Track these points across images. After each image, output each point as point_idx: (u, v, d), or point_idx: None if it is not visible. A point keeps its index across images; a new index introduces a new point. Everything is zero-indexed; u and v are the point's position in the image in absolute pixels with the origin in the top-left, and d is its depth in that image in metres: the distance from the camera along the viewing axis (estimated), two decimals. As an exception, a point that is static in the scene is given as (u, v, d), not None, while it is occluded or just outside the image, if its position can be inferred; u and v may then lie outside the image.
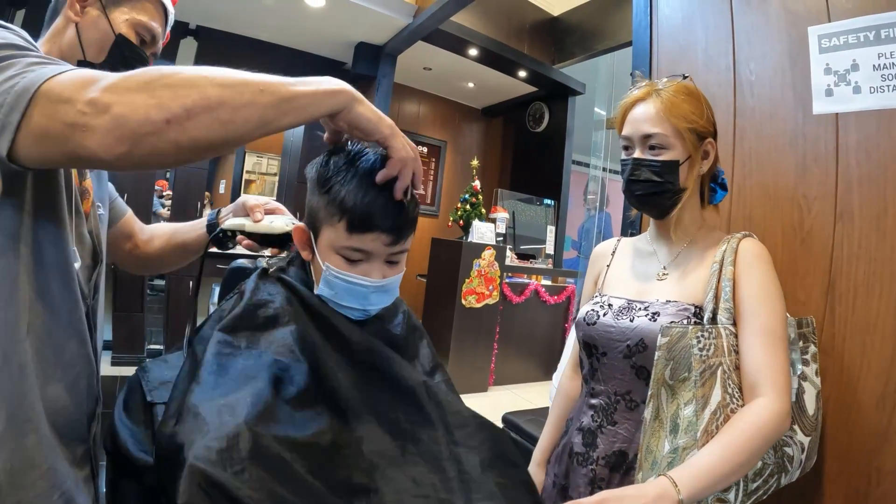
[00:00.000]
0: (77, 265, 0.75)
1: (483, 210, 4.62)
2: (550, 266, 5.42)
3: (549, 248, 5.65)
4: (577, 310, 1.05)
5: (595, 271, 1.23)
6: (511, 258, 4.81)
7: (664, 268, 1.08)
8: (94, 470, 0.78)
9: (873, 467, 1.03)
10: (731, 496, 0.90)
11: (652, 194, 1.02)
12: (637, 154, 1.02)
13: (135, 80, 0.56)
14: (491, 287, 4.34)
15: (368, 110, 0.69)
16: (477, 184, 4.63)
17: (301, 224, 0.82)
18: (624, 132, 1.05)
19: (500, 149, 6.92)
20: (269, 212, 1.02)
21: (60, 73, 0.57)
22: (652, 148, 1.01)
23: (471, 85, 5.98)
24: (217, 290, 1.21)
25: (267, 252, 1.09)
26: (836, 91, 1.14)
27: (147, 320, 3.89)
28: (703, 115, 1.01)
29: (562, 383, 1.28)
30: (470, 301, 4.21)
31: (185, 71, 0.59)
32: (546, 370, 4.86)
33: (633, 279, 1.12)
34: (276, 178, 6.90)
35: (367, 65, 4.68)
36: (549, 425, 1.25)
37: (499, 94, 6.26)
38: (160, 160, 0.59)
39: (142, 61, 0.88)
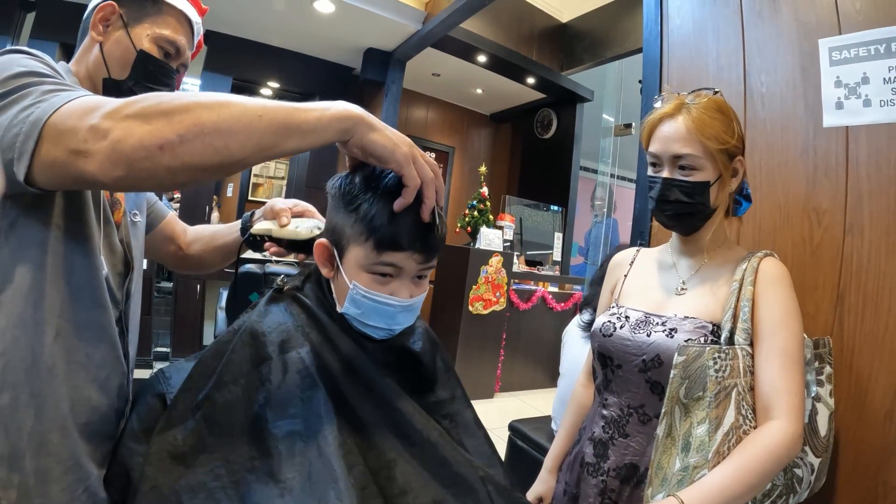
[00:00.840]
0: (104, 272, 0.78)
1: (490, 216, 4.63)
2: (558, 273, 5.41)
3: (557, 254, 5.64)
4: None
5: (612, 281, 1.21)
6: (519, 263, 4.80)
7: (683, 282, 1.06)
8: None
9: (881, 480, 1.03)
10: (739, 517, 0.89)
11: (682, 215, 1.00)
12: (666, 174, 0.99)
13: (133, 107, 0.57)
14: (498, 294, 4.34)
15: (382, 137, 0.66)
16: (485, 190, 4.64)
17: (323, 240, 0.80)
18: (651, 149, 1.02)
19: (508, 155, 6.92)
20: (297, 214, 1.01)
21: (69, 102, 0.59)
22: (682, 168, 0.98)
23: (479, 91, 6.00)
24: (224, 294, 1.21)
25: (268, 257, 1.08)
26: (847, 104, 1.15)
27: (154, 322, 3.90)
28: (735, 134, 0.98)
29: (576, 391, 1.27)
30: (477, 307, 4.21)
31: (185, 97, 0.59)
32: (552, 377, 4.84)
33: (650, 292, 1.10)
34: (284, 182, 6.94)
35: (376, 70, 4.71)
36: (561, 432, 1.25)
37: (507, 100, 6.27)
38: (157, 184, 0.60)
39: (167, 73, 0.90)
